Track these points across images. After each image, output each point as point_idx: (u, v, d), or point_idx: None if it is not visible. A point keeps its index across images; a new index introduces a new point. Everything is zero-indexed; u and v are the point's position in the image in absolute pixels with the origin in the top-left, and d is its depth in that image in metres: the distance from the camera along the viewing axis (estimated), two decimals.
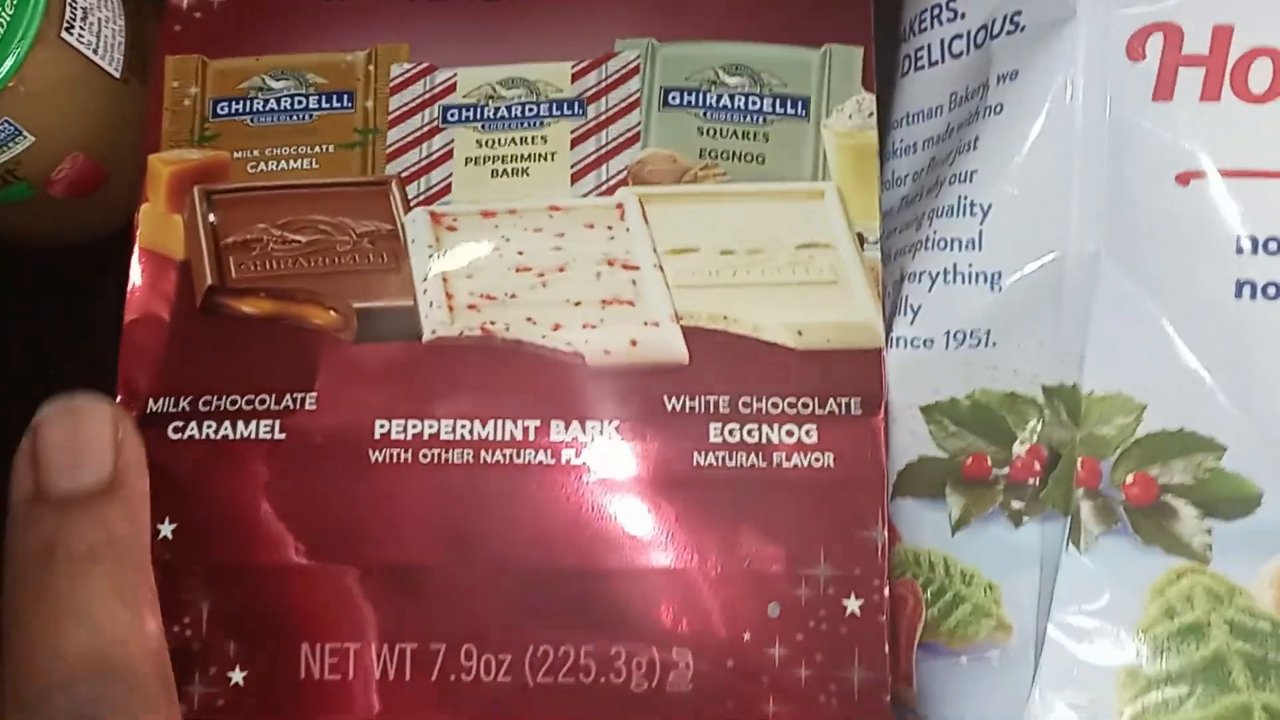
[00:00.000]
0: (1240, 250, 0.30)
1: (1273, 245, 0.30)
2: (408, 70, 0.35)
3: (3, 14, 0.32)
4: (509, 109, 0.34)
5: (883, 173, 0.35)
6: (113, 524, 0.27)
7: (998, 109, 0.32)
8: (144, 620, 0.27)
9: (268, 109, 0.35)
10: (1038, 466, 0.31)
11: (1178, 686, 0.29)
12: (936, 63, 0.35)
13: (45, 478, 0.27)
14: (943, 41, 0.35)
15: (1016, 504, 0.31)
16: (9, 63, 0.32)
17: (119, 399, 0.33)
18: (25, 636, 0.26)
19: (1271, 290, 0.30)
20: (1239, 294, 0.30)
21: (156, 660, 0.27)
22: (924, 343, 0.33)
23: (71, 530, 0.27)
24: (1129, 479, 0.30)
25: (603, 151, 0.34)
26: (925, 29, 0.35)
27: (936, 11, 0.35)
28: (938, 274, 0.33)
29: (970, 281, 0.32)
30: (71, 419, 0.28)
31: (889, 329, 0.33)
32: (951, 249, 0.33)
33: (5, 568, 0.27)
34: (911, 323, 0.33)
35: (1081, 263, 0.31)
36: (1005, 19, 0.33)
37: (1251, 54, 0.30)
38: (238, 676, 0.31)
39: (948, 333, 0.32)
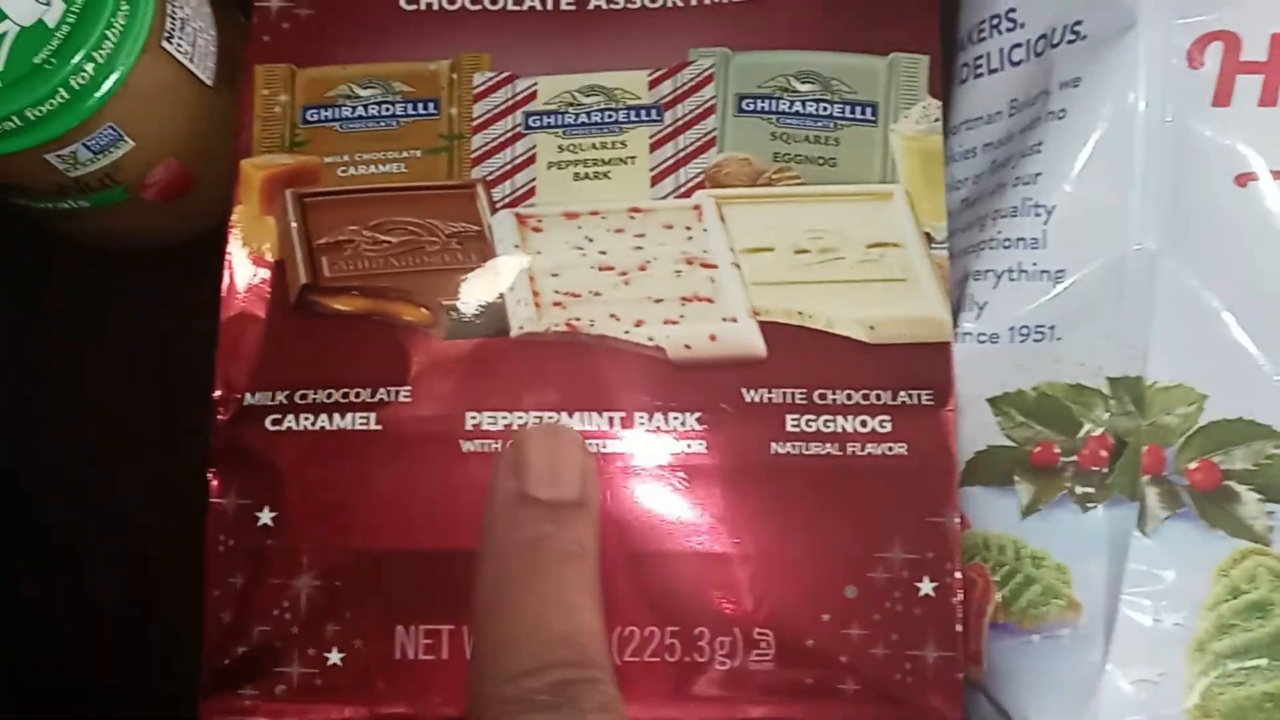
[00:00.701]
0: None
1: None
2: (490, 78, 0.36)
3: (114, 24, 0.33)
4: (589, 115, 0.36)
5: (946, 176, 0.37)
6: (585, 532, 0.29)
7: (1060, 114, 0.34)
8: (601, 619, 0.29)
9: (356, 115, 0.36)
10: (1104, 454, 0.32)
11: (1244, 661, 0.30)
12: (996, 70, 0.37)
13: (529, 483, 0.30)
14: (1002, 50, 0.36)
15: (1084, 490, 0.32)
16: (119, 72, 0.34)
17: (217, 393, 0.34)
18: (511, 621, 0.28)
19: None
20: None
21: (609, 655, 0.29)
22: (990, 337, 0.34)
23: (559, 530, 0.29)
24: (1192, 465, 0.31)
25: (680, 155, 0.36)
26: (985, 38, 0.37)
27: (995, 21, 0.36)
28: (1003, 272, 0.34)
29: (1035, 278, 0.34)
30: (552, 439, 0.31)
31: (955, 324, 0.34)
32: (1016, 248, 0.34)
33: (488, 557, 0.29)
34: (977, 318, 0.34)
35: (1143, 260, 0.33)
36: (1066, 28, 0.35)
37: None
38: (335, 657, 0.33)
39: (1012, 328, 0.34)
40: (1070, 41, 0.34)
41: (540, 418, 0.33)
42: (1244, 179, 0.32)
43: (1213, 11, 0.32)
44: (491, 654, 0.27)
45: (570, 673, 0.27)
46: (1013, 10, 0.36)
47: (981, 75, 0.37)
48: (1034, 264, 0.34)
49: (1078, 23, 0.34)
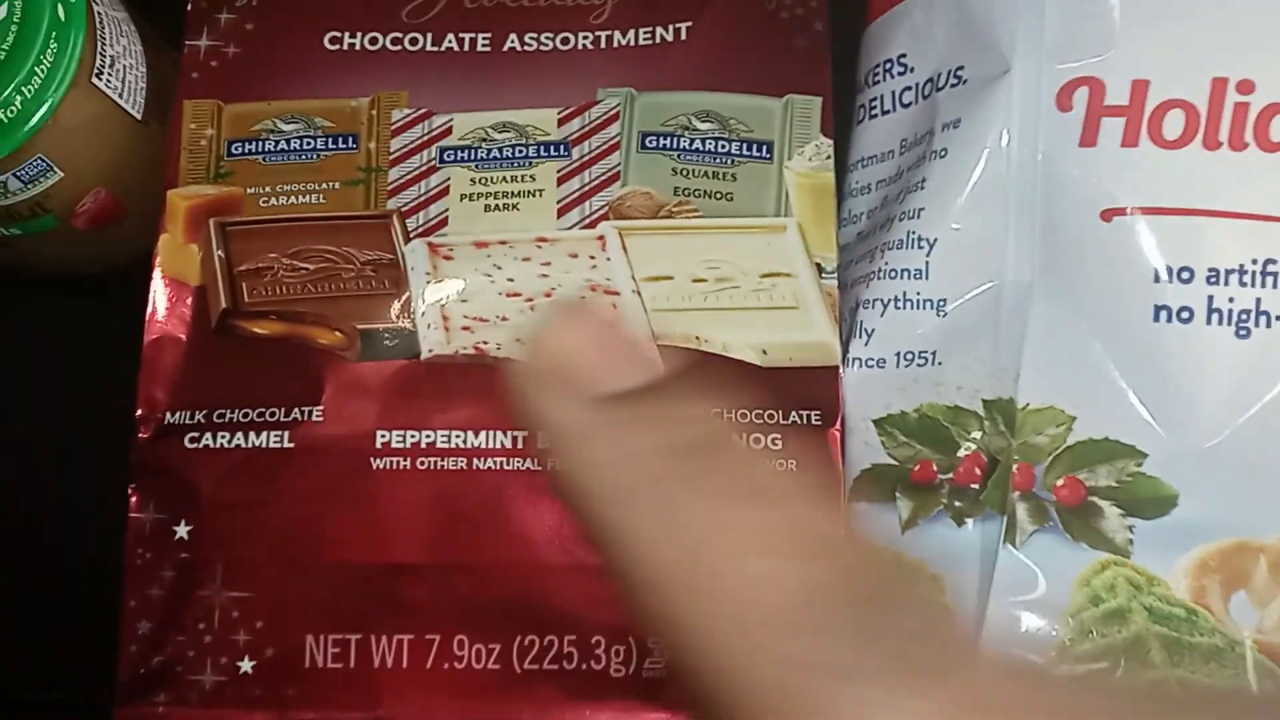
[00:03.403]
0: (1157, 279, 0.34)
1: (1185, 274, 0.33)
2: (408, 115, 0.38)
3: (43, 60, 0.35)
4: (500, 150, 0.38)
5: (841, 211, 0.39)
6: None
7: (943, 153, 0.36)
8: None
9: (278, 149, 0.38)
10: (978, 472, 0.34)
11: (1103, 664, 0.32)
12: (889, 112, 0.39)
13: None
14: (894, 93, 0.39)
15: (959, 505, 0.34)
16: (46, 105, 0.35)
17: (139, 412, 0.36)
18: None
19: (1185, 314, 0.33)
20: (1156, 318, 0.33)
21: None
22: (877, 362, 0.36)
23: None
24: (1060, 482, 0.33)
25: (586, 189, 0.37)
26: (879, 81, 0.39)
27: (889, 66, 0.39)
28: (889, 301, 0.36)
29: (918, 308, 0.36)
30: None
31: (845, 350, 0.36)
32: (901, 278, 0.36)
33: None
34: (866, 344, 0.36)
35: (1018, 290, 0.35)
36: (949, 73, 0.37)
37: (1165, 105, 0.34)
38: (246, 666, 0.34)
39: (898, 353, 0.36)
40: (953, 85, 0.37)
41: (449, 436, 0.35)
42: (1109, 214, 0.34)
43: (1080, 59, 0.34)
44: None
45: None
46: (904, 55, 0.38)
47: (876, 116, 0.39)
48: (918, 294, 0.36)
49: (960, 68, 0.37)
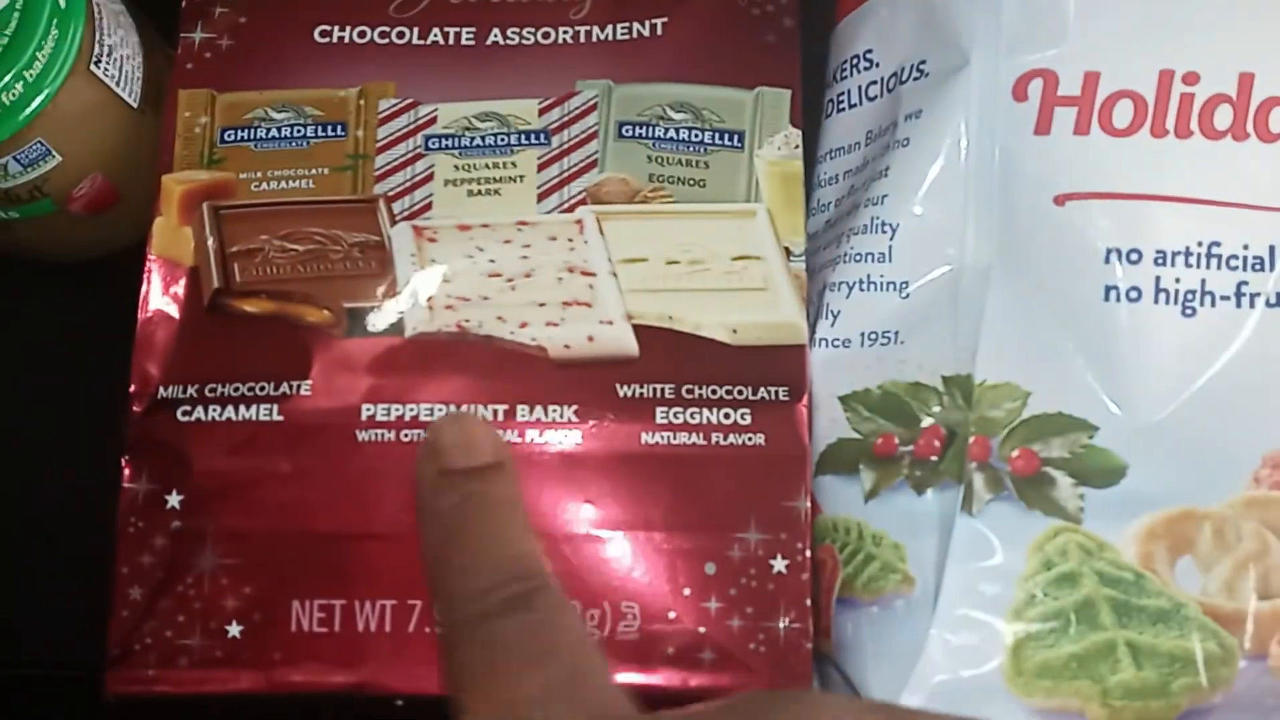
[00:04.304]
0: (1108, 260, 0.35)
1: (1134, 255, 0.35)
2: (394, 104, 0.40)
3: (44, 47, 0.36)
4: (483, 138, 0.39)
5: (810, 200, 0.41)
6: (509, 485, 0.32)
7: (905, 142, 0.38)
8: (537, 544, 0.31)
9: (270, 136, 0.40)
10: (937, 444, 0.36)
11: (1054, 624, 0.33)
12: (856, 105, 0.40)
13: (448, 460, 0.31)
14: (860, 87, 0.40)
15: (919, 475, 0.35)
16: (46, 91, 0.37)
17: (132, 388, 0.37)
18: (462, 556, 0.30)
19: (1134, 294, 0.35)
20: (1106, 297, 0.35)
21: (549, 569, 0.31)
22: (843, 342, 0.38)
23: (483, 485, 0.31)
24: (1015, 454, 0.35)
25: (565, 175, 0.39)
26: (846, 76, 0.41)
27: (855, 61, 0.40)
28: (854, 283, 0.38)
29: (882, 290, 0.37)
30: (459, 420, 0.33)
31: (813, 331, 0.38)
32: (865, 262, 0.38)
33: (426, 524, 0.31)
34: (832, 325, 0.38)
35: (976, 272, 0.36)
36: (912, 67, 0.38)
37: (1115, 95, 0.36)
38: (235, 630, 0.35)
39: (862, 333, 0.37)
40: (915, 79, 0.38)
41: (432, 409, 0.36)
42: (1062, 199, 0.36)
43: (1035, 52, 0.36)
44: (449, 586, 0.30)
45: (519, 586, 0.29)
46: (869, 51, 0.40)
47: (844, 110, 0.41)
48: (881, 276, 0.37)
49: (922, 62, 0.38)
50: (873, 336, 0.37)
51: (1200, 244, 0.35)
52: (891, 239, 0.37)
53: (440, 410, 0.36)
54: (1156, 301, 0.35)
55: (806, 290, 0.38)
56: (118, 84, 0.40)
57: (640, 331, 0.37)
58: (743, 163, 0.39)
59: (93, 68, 0.38)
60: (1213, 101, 0.35)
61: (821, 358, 0.38)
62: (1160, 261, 0.35)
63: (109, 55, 0.39)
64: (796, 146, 0.39)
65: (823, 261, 0.39)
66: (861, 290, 0.38)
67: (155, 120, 0.41)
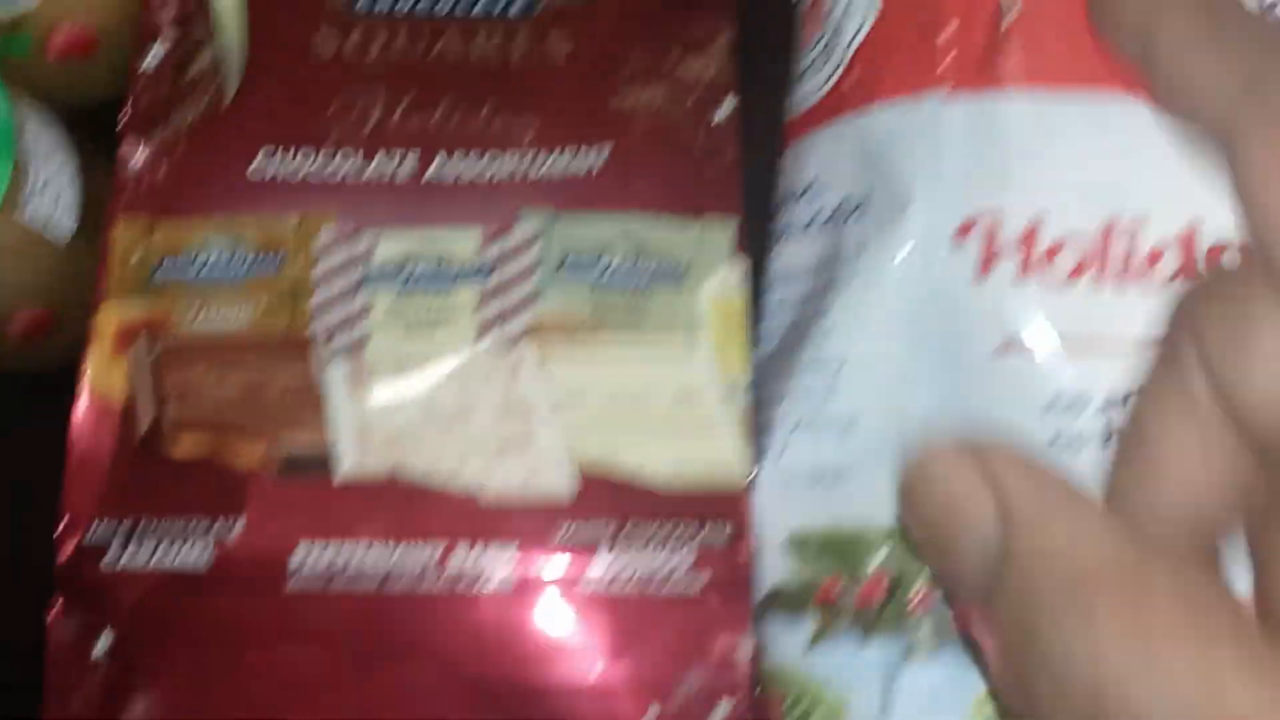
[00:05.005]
0: (1051, 408, 0.35)
1: (1081, 403, 0.35)
2: (334, 235, 0.39)
3: None
4: (423, 273, 0.39)
5: (757, 332, 0.40)
6: None
7: (849, 278, 0.37)
8: None
9: (208, 265, 0.39)
10: (883, 591, 0.35)
11: None
12: (801, 236, 0.40)
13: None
14: (806, 218, 0.40)
15: (863, 624, 0.35)
16: None
17: (64, 522, 0.36)
18: None
19: (1079, 442, 0.35)
20: (1052, 445, 0.35)
21: None
22: (787, 482, 0.37)
23: None
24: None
25: (505, 310, 0.39)
26: (792, 206, 0.40)
27: (801, 192, 0.40)
28: (799, 420, 0.37)
29: (826, 428, 0.37)
30: None
31: (757, 469, 0.37)
32: (809, 399, 0.37)
33: None
34: (776, 463, 0.37)
35: (919, 417, 0.36)
36: (856, 202, 0.38)
37: (1059, 242, 0.35)
38: None
39: (807, 473, 0.37)
40: (860, 214, 0.38)
41: (367, 549, 0.36)
42: (1004, 346, 0.35)
43: (979, 196, 0.36)
44: None
45: None
46: (815, 182, 0.40)
47: (790, 240, 0.41)
48: (826, 414, 0.37)
49: (867, 196, 0.38)
50: (817, 476, 0.37)
51: None
52: (836, 374, 0.37)
53: (377, 552, 0.36)
54: (1105, 447, 0.34)
55: (751, 427, 0.38)
56: (49, 219, 0.39)
57: (580, 471, 0.37)
58: (685, 298, 0.39)
59: (20, 207, 0.38)
60: (1159, 246, 0.35)
61: (766, 496, 0.37)
62: (1108, 408, 0.35)
63: (41, 192, 0.38)
64: (741, 277, 0.39)
65: (767, 396, 0.39)
66: (806, 428, 0.37)
67: (94, 240, 0.40)
